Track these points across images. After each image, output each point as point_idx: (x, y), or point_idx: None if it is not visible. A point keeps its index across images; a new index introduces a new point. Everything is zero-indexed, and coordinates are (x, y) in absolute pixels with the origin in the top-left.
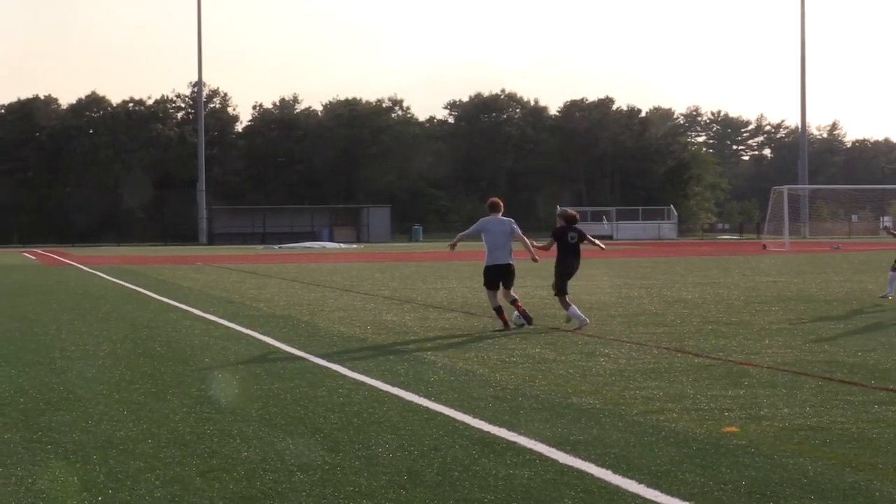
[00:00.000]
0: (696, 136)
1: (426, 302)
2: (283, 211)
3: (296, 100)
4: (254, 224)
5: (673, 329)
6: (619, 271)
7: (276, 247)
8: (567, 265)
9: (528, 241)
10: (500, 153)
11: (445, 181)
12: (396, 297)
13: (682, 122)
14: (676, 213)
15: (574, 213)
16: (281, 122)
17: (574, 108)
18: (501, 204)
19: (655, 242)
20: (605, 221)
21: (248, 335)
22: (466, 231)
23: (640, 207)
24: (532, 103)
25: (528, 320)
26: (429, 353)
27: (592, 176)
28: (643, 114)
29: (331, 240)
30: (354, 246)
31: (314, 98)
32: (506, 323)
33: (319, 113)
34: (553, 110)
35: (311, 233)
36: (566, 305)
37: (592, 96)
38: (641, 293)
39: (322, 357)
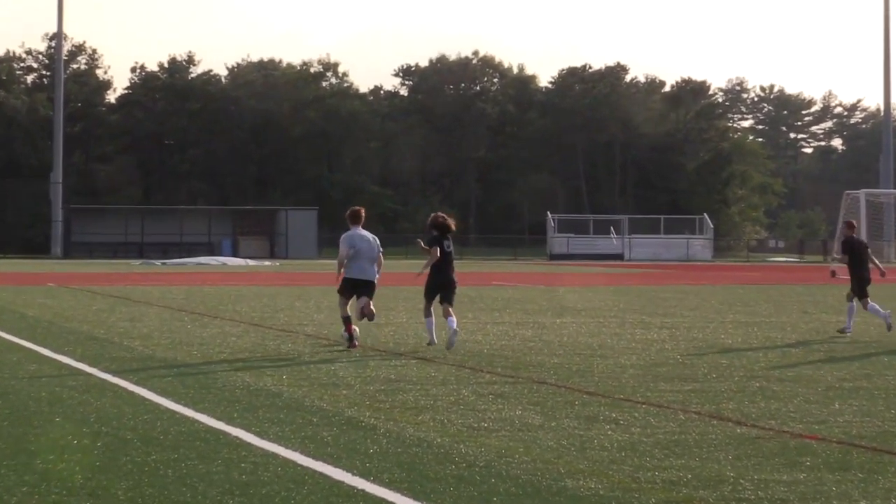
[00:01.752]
0: (740, 119)
1: (364, 342)
2: (168, 213)
3: (191, 61)
4: (128, 231)
5: (706, 386)
6: (632, 304)
7: (158, 262)
8: (442, 278)
9: (380, 260)
10: (470, 138)
11: (396, 176)
12: (323, 334)
13: (719, 99)
14: (712, 226)
15: (447, 217)
16: (170, 90)
17: (573, 79)
18: (362, 214)
19: (683, 265)
20: (614, 235)
21: (116, 385)
22: (341, 254)
23: (661, 216)
24: (515, 71)
25: (370, 316)
26: (367, 413)
27: (596, 171)
28: (668, 87)
29: (234, 254)
30: (267, 263)
31: (216, 59)
32: (349, 331)
33: (223, 79)
34: (544, 81)
35: (207, 244)
36: (427, 318)
37: (598, 62)
38: (663, 335)
39: (219, 418)
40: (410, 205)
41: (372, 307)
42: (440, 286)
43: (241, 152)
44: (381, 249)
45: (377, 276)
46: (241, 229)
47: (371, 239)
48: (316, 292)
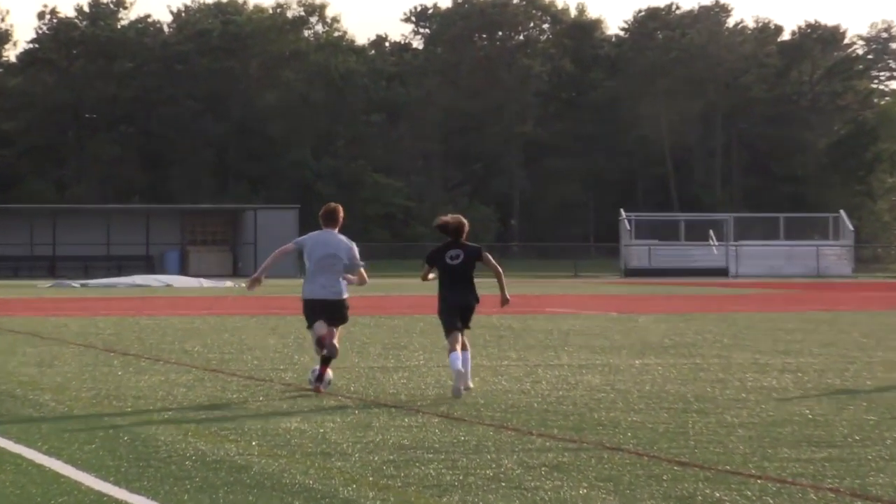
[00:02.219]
0: (889, 78)
1: (365, 393)
2: (90, 215)
3: (120, 3)
4: (34, 240)
5: (846, 452)
6: (741, 338)
7: (76, 283)
8: (451, 300)
9: (363, 276)
10: (512, 108)
11: (406, 162)
12: (309, 383)
13: (859, 51)
14: (852, 228)
15: (453, 219)
16: (92, 44)
17: (653, 24)
18: (338, 213)
19: (811, 283)
20: (714, 241)
21: (19, 456)
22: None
23: (780, 215)
24: (573, 14)
25: (320, 379)
26: (371, 494)
27: (689, 153)
28: (786, 35)
29: (183, 271)
30: (229, 283)
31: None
32: (318, 378)
33: (166, 28)
34: (613, 27)
35: (144, 258)
36: (451, 349)
37: (688, 1)
38: (785, 381)
39: (164, 502)
40: (427, 201)
41: (336, 341)
42: (456, 308)
43: (191, 130)
44: (362, 263)
45: (344, 294)
46: (192, 237)
47: (338, 244)
48: (298, 324)
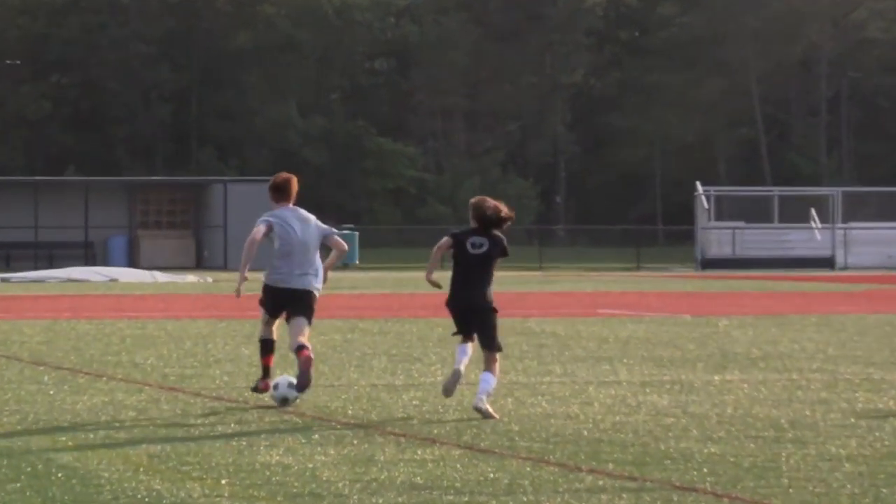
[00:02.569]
0: None
1: (367, 420)
2: (13, 191)
3: None
4: None
5: None
6: (850, 347)
7: None
8: (461, 297)
9: (340, 243)
10: (557, 52)
11: (420, 122)
12: (292, 406)
13: None
14: None
15: (496, 205)
16: None
17: None
18: (294, 185)
19: None
20: (816, 223)
21: None
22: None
23: None
24: None
25: (302, 386)
26: None
27: (785, 110)
28: None
29: (132, 263)
30: (191, 278)
31: None
32: (265, 373)
33: None
34: None
35: (81, 245)
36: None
37: None
38: None
39: None
40: (447, 171)
41: (304, 339)
42: (463, 311)
43: (142, 81)
44: (337, 232)
45: (319, 280)
46: (143, 218)
47: (309, 221)
48: (280, 329)
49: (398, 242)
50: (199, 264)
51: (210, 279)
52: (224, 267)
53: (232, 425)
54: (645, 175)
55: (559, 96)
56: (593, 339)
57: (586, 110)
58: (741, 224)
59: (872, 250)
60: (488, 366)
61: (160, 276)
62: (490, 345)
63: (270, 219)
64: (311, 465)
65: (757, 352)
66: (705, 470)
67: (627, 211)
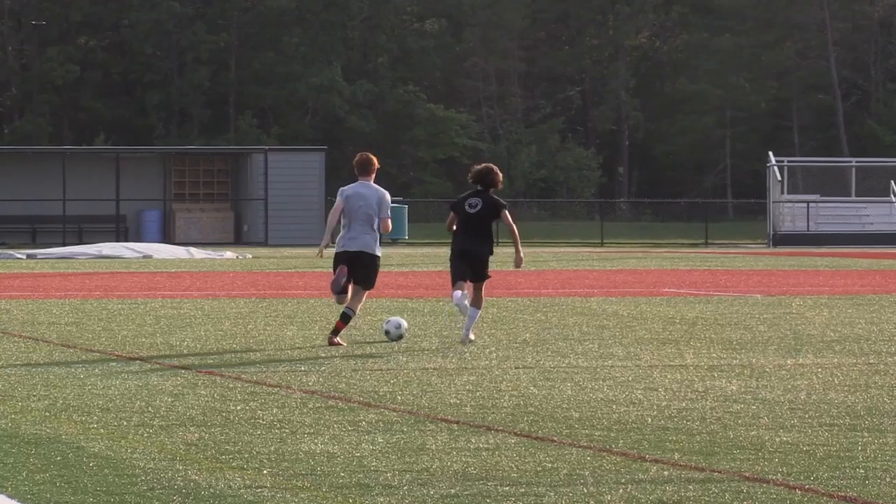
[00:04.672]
0: None
1: (418, 407)
2: (37, 161)
3: None
4: None
5: None
6: None
7: (19, 254)
8: (461, 246)
9: (385, 224)
10: (618, 11)
11: (474, 87)
12: (339, 390)
13: None
14: None
15: (484, 167)
16: None
17: None
18: (375, 162)
19: None
20: (895, 195)
21: None
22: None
23: None
24: None
25: (336, 332)
26: None
27: (858, 72)
28: None
29: (166, 239)
30: (229, 254)
31: None
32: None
33: None
34: None
35: (112, 218)
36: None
37: None
38: None
39: None
40: (503, 140)
41: (357, 308)
42: (464, 256)
43: (176, 43)
44: (389, 215)
45: (376, 250)
46: (179, 191)
47: (372, 195)
48: (323, 308)
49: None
50: (238, 240)
51: (250, 255)
52: (265, 242)
53: (274, 411)
54: (714, 145)
55: (622, 60)
56: (658, 319)
57: (651, 75)
58: (816, 197)
59: None
60: (476, 301)
61: (196, 253)
62: (481, 277)
63: (341, 194)
64: (357, 454)
65: (832, 334)
66: (776, 460)
67: (695, 183)
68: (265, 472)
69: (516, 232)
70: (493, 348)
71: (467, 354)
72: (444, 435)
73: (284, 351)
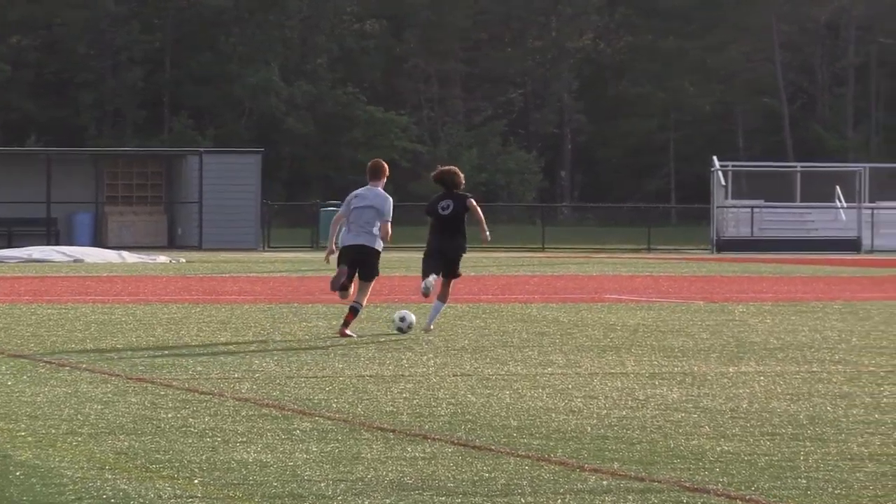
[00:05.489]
0: None
1: (353, 415)
2: None
3: None
4: None
5: None
6: (876, 337)
7: None
8: (436, 245)
9: (385, 228)
10: (561, 13)
11: (414, 88)
12: (272, 398)
13: None
14: None
15: (447, 170)
16: None
17: None
18: (385, 168)
19: None
20: (841, 202)
21: None
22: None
23: None
24: None
25: (346, 324)
26: None
27: (803, 75)
28: None
29: (98, 242)
30: (163, 259)
31: None
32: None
33: None
34: None
35: (42, 222)
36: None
37: None
38: None
39: None
40: (444, 143)
41: (364, 301)
42: (439, 253)
43: (110, 42)
44: (389, 219)
45: (376, 245)
46: (111, 193)
47: (374, 199)
48: (259, 314)
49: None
50: (172, 243)
51: (183, 259)
52: (199, 246)
53: (206, 419)
54: (657, 149)
55: (565, 62)
56: (599, 326)
57: (595, 77)
58: (760, 202)
59: None
60: (443, 297)
61: (129, 257)
62: (452, 274)
63: (349, 196)
64: (291, 463)
65: (775, 342)
66: (718, 469)
67: (638, 187)
68: (196, 481)
69: (481, 215)
70: (431, 355)
71: (404, 361)
72: (379, 444)
73: (217, 357)
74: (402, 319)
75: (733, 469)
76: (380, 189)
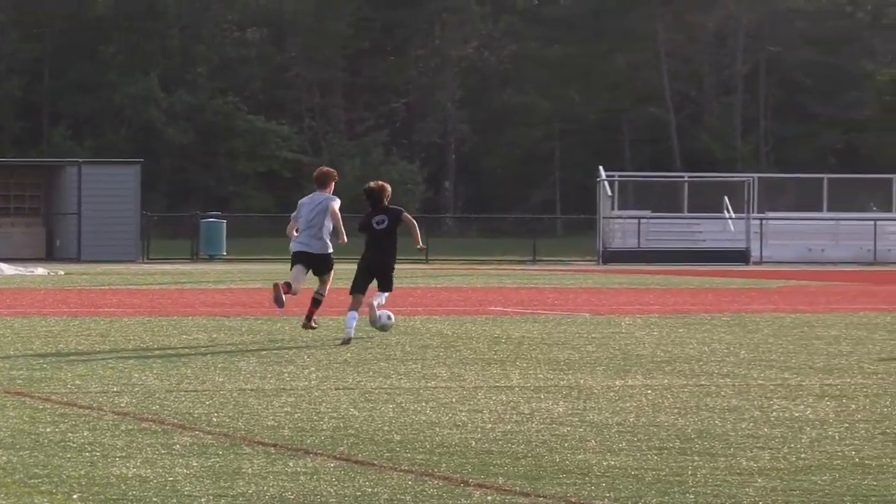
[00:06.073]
0: None
1: (233, 429)
2: None
3: None
4: None
5: None
6: (765, 349)
7: None
8: (371, 259)
9: (339, 224)
10: (445, 21)
11: (295, 97)
12: (152, 412)
13: None
14: None
15: (376, 185)
16: None
17: None
18: (335, 176)
19: (864, 272)
20: (729, 213)
21: None
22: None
23: (824, 176)
24: None
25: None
26: None
27: (691, 84)
28: None
29: None
30: (40, 271)
31: None
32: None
33: None
34: None
35: None
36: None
37: None
38: (824, 410)
39: None
40: (326, 153)
41: (325, 290)
42: (372, 267)
43: None
44: (334, 209)
45: (325, 247)
46: None
47: (316, 200)
48: (138, 328)
49: (270, 231)
50: (51, 255)
51: (62, 272)
52: (78, 258)
53: (85, 433)
54: (543, 158)
55: (449, 71)
56: (483, 339)
57: (479, 86)
58: (647, 213)
59: (790, 243)
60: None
61: (6, 269)
62: (387, 287)
63: (299, 202)
64: (171, 479)
65: (662, 354)
66: (604, 484)
67: (523, 198)
68: (75, 496)
69: (415, 223)
70: (313, 368)
71: (286, 375)
72: (260, 458)
73: (96, 371)
74: (389, 318)
75: (620, 484)
76: (326, 193)
